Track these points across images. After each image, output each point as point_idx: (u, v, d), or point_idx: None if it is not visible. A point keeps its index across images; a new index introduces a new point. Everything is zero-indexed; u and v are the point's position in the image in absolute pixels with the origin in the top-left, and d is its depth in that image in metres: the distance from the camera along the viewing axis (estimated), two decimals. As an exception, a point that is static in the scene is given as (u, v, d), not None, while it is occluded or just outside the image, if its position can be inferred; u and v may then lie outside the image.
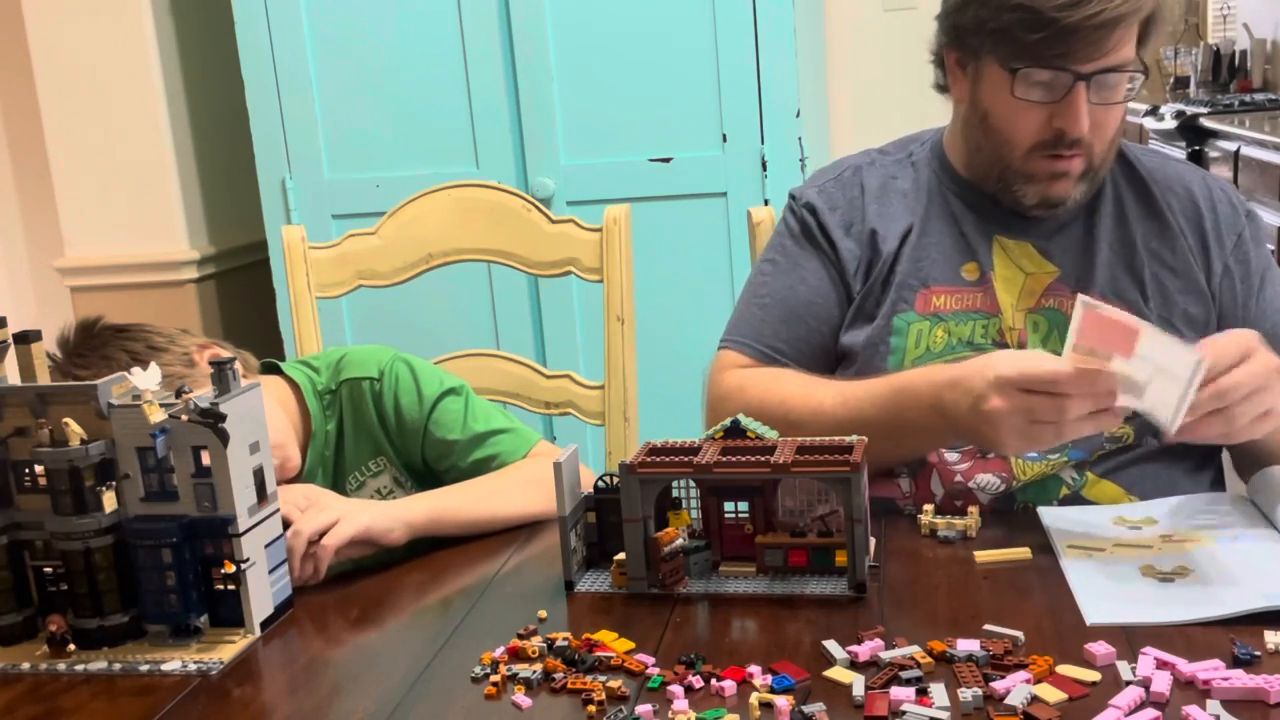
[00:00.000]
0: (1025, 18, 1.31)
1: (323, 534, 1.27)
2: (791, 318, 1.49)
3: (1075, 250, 1.44)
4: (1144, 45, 1.38)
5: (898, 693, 0.93)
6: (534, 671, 1.01)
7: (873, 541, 1.17)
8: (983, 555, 1.19)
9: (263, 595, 1.16)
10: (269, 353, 1.59)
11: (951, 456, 1.39)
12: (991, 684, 0.93)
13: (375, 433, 1.52)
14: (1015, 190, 1.42)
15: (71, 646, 1.13)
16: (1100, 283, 1.42)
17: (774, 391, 1.41)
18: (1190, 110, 4.05)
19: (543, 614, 1.13)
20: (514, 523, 1.40)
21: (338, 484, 1.53)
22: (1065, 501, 1.37)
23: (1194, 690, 0.92)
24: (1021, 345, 1.41)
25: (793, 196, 1.56)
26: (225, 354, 1.46)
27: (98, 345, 1.45)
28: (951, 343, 1.42)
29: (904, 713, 0.91)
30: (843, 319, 1.48)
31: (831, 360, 1.48)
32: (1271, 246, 1.58)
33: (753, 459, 1.14)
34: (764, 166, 2.80)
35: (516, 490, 1.43)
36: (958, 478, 1.39)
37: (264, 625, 1.15)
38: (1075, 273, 1.43)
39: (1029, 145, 1.38)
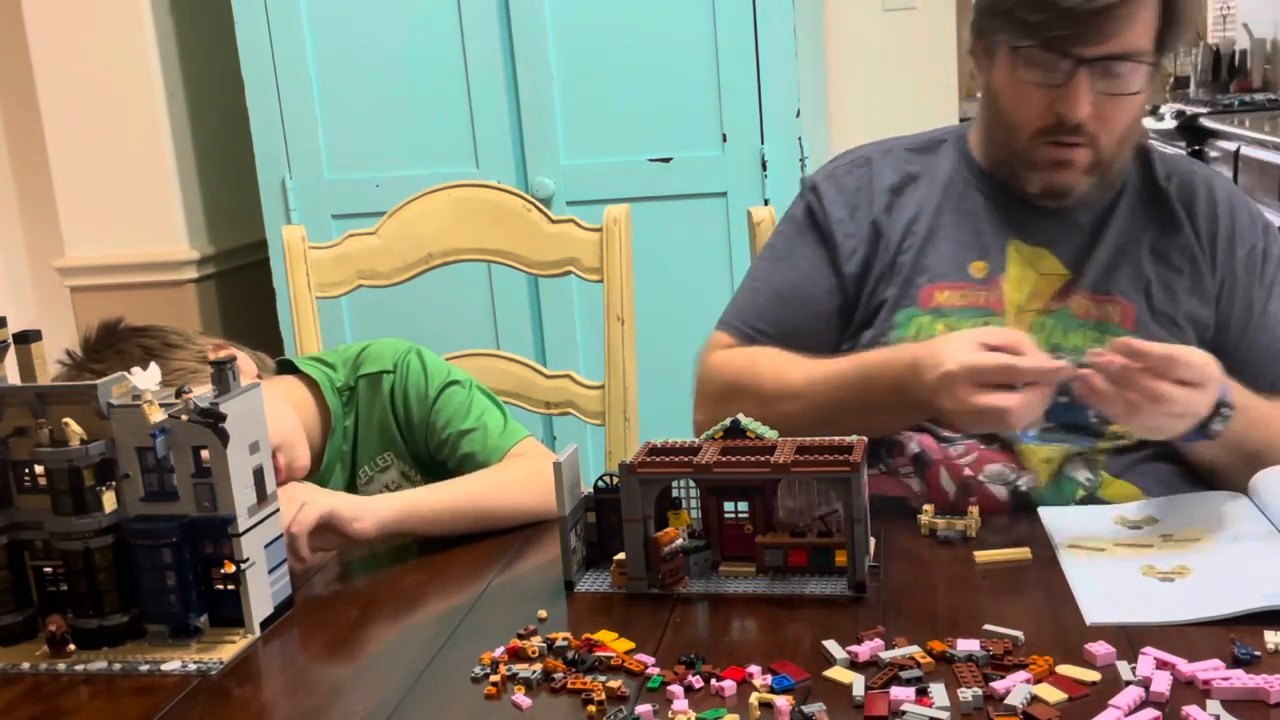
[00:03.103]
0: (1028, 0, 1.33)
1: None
2: (778, 301, 1.51)
3: (1076, 247, 1.44)
4: (1167, 39, 1.36)
5: (898, 693, 0.93)
6: (534, 671, 1.01)
7: (873, 541, 1.17)
8: (983, 555, 1.19)
9: (263, 595, 1.16)
10: (269, 353, 1.59)
11: (955, 450, 1.39)
12: (991, 684, 0.93)
13: (388, 425, 1.53)
14: (1020, 177, 1.43)
15: (71, 646, 1.13)
16: (1087, 283, 1.42)
17: (748, 371, 1.45)
18: (1190, 110, 4.06)
19: (543, 614, 1.13)
20: (498, 520, 1.40)
21: (351, 479, 1.55)
22: (1080, 503, 1.36)
23: (1194, 690, 0.92)
24: None
25: (803, 180, 1.58)
26: (241, 354, 1.46)
27: (114, 342, 1.45)
28: None
29: (904, 713, 0.91)
30: (835, 308, 1.49)
31: (821, 347, 1.47)
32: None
33: (753, 459, 1.14)
34: (764, 166, 2.80)
35: (498, 486, 1.43)
36: (966, 471, 1.38)
37: (264, 625, 1.15)
38: (1072, 269, 1.43)
39: (1033, 130, 1.39)
